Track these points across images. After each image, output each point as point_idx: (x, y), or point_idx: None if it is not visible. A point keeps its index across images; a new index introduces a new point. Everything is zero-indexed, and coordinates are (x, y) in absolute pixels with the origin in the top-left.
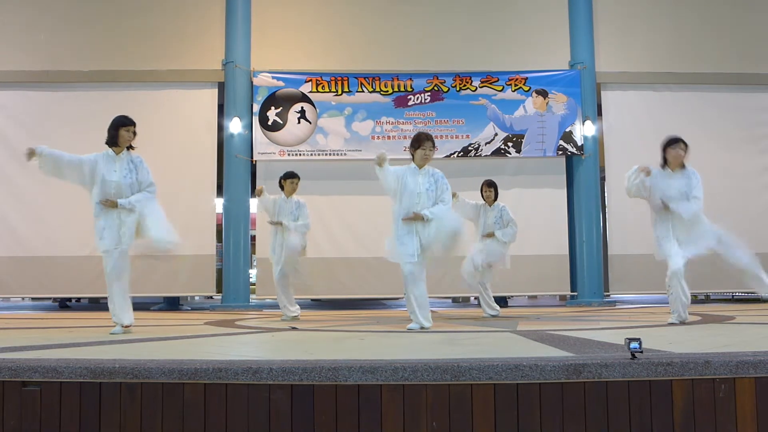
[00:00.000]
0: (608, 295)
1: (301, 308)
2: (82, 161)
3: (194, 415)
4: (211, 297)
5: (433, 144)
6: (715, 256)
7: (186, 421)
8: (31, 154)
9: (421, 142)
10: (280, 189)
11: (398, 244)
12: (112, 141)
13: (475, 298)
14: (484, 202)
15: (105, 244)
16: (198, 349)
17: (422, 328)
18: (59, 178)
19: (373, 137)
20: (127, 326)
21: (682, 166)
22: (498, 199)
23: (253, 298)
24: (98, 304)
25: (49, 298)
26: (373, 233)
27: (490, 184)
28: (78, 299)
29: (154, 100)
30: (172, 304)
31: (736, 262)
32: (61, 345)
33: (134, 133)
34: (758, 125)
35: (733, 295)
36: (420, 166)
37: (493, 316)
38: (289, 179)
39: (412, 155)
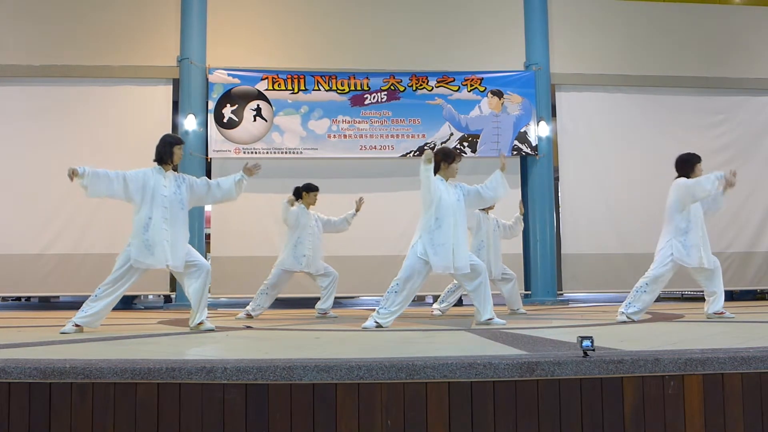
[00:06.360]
0: (561, 294)
1: None
2: (127, 177)
3: (147, 415)
4: (169, 297)
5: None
6: None
7: (138, 421)
8: (74, 174)
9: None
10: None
11: (432, 253)
12: (164, 158)
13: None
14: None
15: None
16: (151, 348)
17: (378, 325)
18: (108, 196)
19: (329, 136)
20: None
21: None
22: None
23: (208, 297)
24: (48, 303)
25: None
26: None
27: None
28: (28, 298)
29: (107, 97)
30: (126, 302)
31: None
32: (10, 345)
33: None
34: (708, 127)
35: (682, 294)
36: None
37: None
38: (310, 192)
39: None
